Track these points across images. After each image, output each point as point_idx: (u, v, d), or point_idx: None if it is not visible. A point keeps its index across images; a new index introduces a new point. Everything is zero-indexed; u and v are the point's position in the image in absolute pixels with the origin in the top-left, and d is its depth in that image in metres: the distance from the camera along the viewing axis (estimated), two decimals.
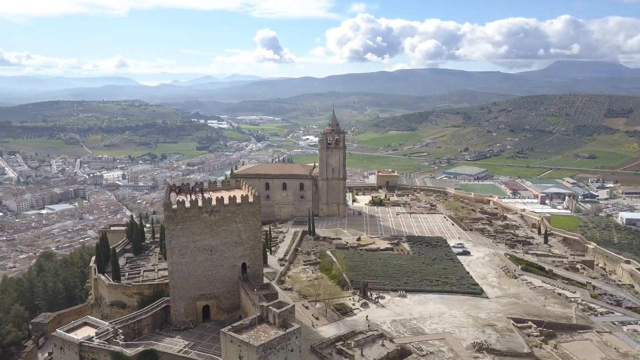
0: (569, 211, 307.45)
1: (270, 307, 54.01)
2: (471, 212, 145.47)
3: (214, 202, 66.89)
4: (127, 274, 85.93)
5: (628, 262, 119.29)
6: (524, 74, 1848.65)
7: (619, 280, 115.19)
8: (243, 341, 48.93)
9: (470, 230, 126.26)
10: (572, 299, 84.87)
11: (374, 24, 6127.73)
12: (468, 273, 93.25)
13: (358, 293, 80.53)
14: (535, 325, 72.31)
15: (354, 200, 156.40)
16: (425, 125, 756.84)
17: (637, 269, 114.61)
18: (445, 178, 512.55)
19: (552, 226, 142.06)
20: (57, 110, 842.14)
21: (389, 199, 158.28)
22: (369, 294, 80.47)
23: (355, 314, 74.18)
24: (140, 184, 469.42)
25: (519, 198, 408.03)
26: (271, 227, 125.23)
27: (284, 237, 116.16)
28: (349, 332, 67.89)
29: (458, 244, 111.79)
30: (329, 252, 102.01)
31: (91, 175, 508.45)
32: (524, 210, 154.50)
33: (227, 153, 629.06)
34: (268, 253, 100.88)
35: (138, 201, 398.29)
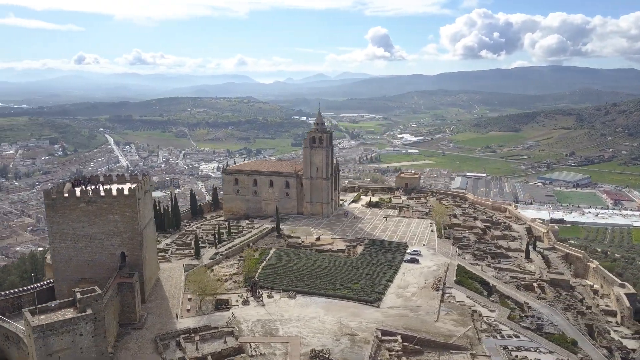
0: None
1: (76, 292, 58.45)
2: (467, 219, 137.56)
3: (90, 194, 72.93)
4: None
5: (622, 286, 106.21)
6: None
7: (607, 306, 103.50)
8: (27, 320, 53.96)
9: (447, 238, 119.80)
10: (485, 318, 78.81)
11: (491, 19, 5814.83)
12: (389, 281, 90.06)
13: (248, 290, 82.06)
14: (400, 340, 68.79)
15: (354, 201, 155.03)
16: (530, 127, 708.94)
17: (626, 294, 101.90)
18: (539, 184, 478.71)
19: (556, 240, 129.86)
20: (176, 106, 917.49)
21: (390, 201, 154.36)
22: (259, 292, 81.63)
23: (229, 310, 76.03)
24: None
25: (619, 209, 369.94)
26: (247, 223, 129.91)
27: (249, 232, 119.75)
28: (203, 326, 70.21)
29: (414, 251, 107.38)
30: (272, 250, 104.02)
31: (190, 166, 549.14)
32: (534, 221, 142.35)
33: None
34: (213, 248, 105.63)
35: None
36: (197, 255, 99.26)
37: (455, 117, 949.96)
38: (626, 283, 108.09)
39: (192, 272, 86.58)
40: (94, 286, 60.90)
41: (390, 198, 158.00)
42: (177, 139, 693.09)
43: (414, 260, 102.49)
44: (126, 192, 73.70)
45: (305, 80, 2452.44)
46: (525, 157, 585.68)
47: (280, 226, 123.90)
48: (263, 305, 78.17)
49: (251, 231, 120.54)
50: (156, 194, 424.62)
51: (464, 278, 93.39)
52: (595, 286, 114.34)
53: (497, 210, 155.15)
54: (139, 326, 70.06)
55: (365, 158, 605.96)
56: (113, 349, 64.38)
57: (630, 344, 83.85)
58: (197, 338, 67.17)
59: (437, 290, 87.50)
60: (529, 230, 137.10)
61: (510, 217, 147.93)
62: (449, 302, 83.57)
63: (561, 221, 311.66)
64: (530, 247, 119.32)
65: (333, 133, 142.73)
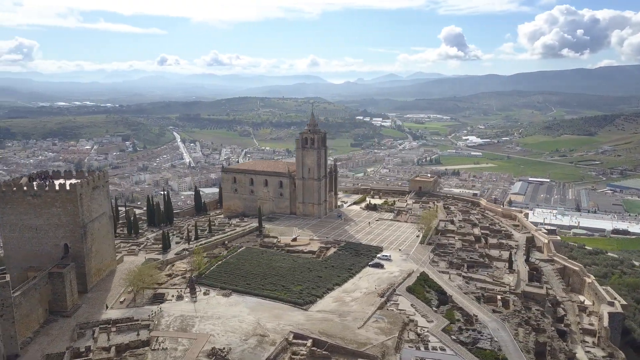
0: None
1: None
2: (466, 225, 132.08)
3: (35, 188, 78.15)
4: None
5: (611, 304, 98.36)
6: None
7: (591, 324, 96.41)
8: None
9: (430, 244, 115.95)
10: (419, 328, 76.15)
11: (575, 15, 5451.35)
12: (337, 285, 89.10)
13: (186, 286, 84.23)
14: (309, 345, 67.98)
15: (356, 203, 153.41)
16: (607, 130, 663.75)
17: (610, 312, 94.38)
18: (608, 191, 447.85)
19: (555, 251, 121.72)
20: (244, 105, 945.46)
21: (394, 204, 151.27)
22: (196, 289, 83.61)
23: (162, 304, 78.51)
24: None
25: None
26: (236, 221, 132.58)
27: (233, 230, 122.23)
28: (125, 318, 73.19)
29: (383, 256, 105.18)
30: (241, 249, 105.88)
31: None
32: (538, 230, 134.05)
33: (376, 151, 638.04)
34: (186, 243, 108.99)
35: None
36: (165, 250, 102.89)
37: (528, 119, 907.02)
38: (616, 301, 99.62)
39: (140, 266, 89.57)
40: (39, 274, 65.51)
41: (394, 201, 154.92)
42: (240, 137, 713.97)
43: (378, 265, 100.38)
44: (67, 188, 78.15)
45: (375, 80, 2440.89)
46: (597, 162, 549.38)
47: (267, 225, 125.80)
48: (195, 301, 80.00)
49: (235, 229, 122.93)
50: (210, 189, 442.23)
51: (419, 286, 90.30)
52: (587, 302, 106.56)
53: (508, 218, 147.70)
54: (68, 314, 74.12)
55: (424, 160, 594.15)
56: (34, 334, 68.79)
57: None
58: (113, 329, 70.21)
59: (382, 297, 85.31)
60: (531, 239, 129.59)
61: (518, 225, 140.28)
62: (388, 309, 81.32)
63: (625, 232, 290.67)
64: (518, 258, 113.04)
65: (326, 134, 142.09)
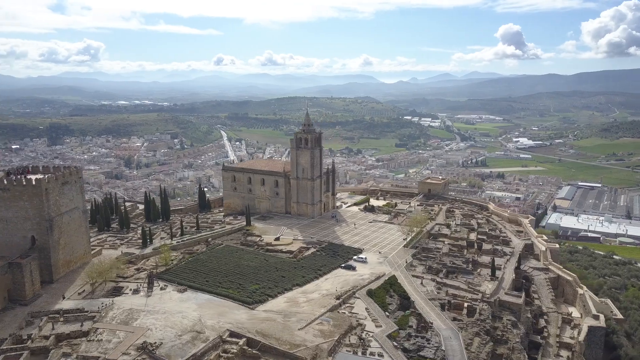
0: None
1: None
2: (462, 229, 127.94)
3: (5, 182, 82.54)
4: None
5: (596, 317, 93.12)
6: None
7: (572, 337, 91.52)
8: None
9: (414, 248, 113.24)
10: (365, 332, 74.77)
11: None
12: (297, 285, 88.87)
13: (146, 280, 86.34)
14: (242, 343, 68.18)
15: (357, 204, 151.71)
16: None
17: (590, 326, 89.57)
18: None
19: (551, 260, 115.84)
20: (292, 105, 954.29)
21: (395, 206, 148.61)
22: (154, 283, 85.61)
23: (118, 297, 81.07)
24: None
25: None
26: (230, 219, 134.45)
27: (222, 227, 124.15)
28: (75, 309, 76.16)
29: (359, 258, 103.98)
30: (221, 246, 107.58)
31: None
32: (538, 237, 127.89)
33: (421, 151, 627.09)
34: (169, 239, 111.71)
35: None
36: (144, 245, 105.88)
37: (587, 120, 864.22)
38: (601, 314, 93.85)
39: (103, 260, 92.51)
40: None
41: (396, 203, 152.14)
42: (286, 137, 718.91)
43: (350, 267, 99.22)
44: (33, 183, 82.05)
45: (429, 80, 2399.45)
46: None
47: (258, 224, 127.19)
48: (149, 296, 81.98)
49: (225, 227, 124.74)
50: None
51: (382, 290, 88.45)
52: (575, 314, 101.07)
53: (514, 223, 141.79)
54: (26, 303, 77.96)
55: (469, 161, 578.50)
56: None
57: None
58: (61, 319, 73.24)
59: (338, 299, 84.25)
60: (530, 247, 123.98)
61: (522, 232, 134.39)
62: (340, 312, 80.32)
63: None
64: (508, 266, 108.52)
65: (322, 134, 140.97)
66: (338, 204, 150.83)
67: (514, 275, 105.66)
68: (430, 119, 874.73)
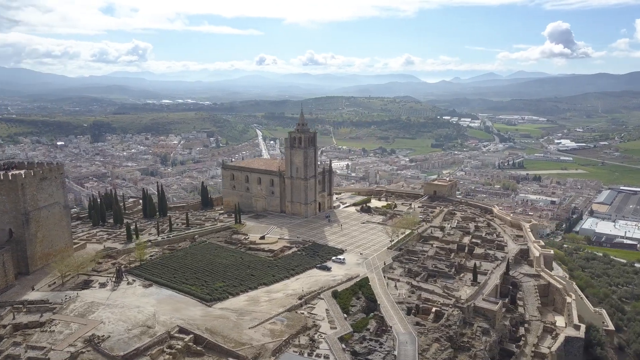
0: None
1: None
2: (457, 232, 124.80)
3: None
4: None
5: (577, 327, 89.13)
6: None
7: (549, 347, 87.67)
8: None
9: (399, 250, 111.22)
10: (318, 334, 74.11)
11: None
12: (264, 284, 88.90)
13: (114, 274, 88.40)
14: (188, 339, 68.84)
15: (355, 204, 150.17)
16: None
17: (567, 336, 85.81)
18: None
19: (543, 267, 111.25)
20: (330, 104, 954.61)
21: (395, 207, 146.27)
22: (122, 277, 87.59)
23: (85, 290, 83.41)
24: (352, 174, 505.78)
25: None
26: (225, 216, 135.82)
27: (213, 224, 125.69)
28: (39, 300, 78.96)
29: (337, 259, 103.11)
30: (204, 243, 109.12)
31: (322, 163, 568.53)
32: (535, 242, 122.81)
33: (456, 152, 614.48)
34: (155, 236, 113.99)
35: None
36: (129, 240, 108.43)
37: (637, 122, 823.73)
38: (582, 325, 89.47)
39: (84, 254, 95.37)
40: None
41: (395, 204, 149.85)
42: (320, 136, 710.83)
43: (324, 268, 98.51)
44: (10, 178, 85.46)
45: (472, 79, 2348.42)
46: None
47: (249, 223, 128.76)
48: (113, 290, 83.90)
49: (216, 224, 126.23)
50: None
51: (349, 292, 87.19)
52: (560, 323, 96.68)
53: (515, 227, 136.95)
54: None
55: (506, 163, 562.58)
56: None
57: None
58: (24, 309, 76.06)
59: (301, 299, 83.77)
60: (526, 252, 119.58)
61: (522, 236, 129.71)
62: (299, 312, 79.91)
63: None
64: (496, 271, 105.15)
65: (317, 134, 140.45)
66: (336, 204, 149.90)
67: (498, 281, 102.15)
68: (469, 119, 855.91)
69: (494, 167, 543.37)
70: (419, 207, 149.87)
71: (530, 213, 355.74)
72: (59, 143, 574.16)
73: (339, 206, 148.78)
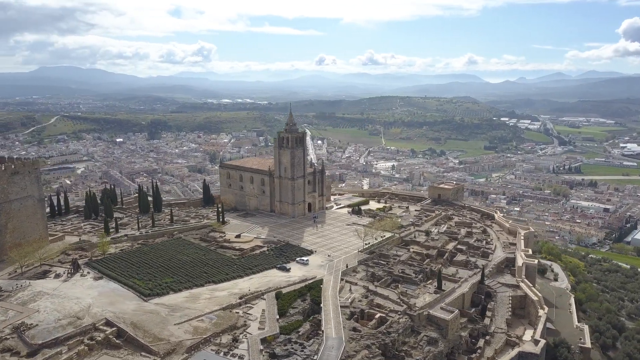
0: None
1: None
2: (442, 237, 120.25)
3: None
4: None
5: (536, 343, 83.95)
6: None
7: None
8: None
9: (371, 253, 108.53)
10: (244, 334, 74.12)
11: None
12: (212, 282, 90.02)
13: (71, 266, 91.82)
14: (110, 332, 70.67)
15: (350, 205, 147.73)
16: None
17: (521, 352, 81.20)
18: None
19: (524, 277, 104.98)
20: (383, 105, 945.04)
21: (389, 209, 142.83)
22: (80, 270, 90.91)
23: (41, 279, 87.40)
24: (396, 175, 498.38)
25: None
26: (213, 215, 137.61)
27: (197, 222, 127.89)
28: None
29: (300, 259, 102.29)
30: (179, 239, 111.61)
31: (367, 163, 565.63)
32: (523, 251, 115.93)
33: (509, 155, 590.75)
34: (135, 231, 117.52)
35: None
36: (107, 233, 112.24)
37: None
38: (542, 340, 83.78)
39: (54, 246, 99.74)
40: None
41: (391, 207, 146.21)
42: (370, 136, 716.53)
43: (283, 269, 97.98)
44: None
45: (539, 79, 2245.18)
46: None
47: (235, 221, 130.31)
48: (65, 281, 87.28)
49: (201, 221, 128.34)
50: None
51: (295, 294, 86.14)
52: (526, 337, 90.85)
53: (513, 235, 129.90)
54: None
55: (562, 167, 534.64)
56: None
57: None
58: None
59: (241, 298, 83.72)
60: (512, 261, 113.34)
61: (515, 244, 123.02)
62: (232, 311, 79.81)
63: None
64: (470, 279, 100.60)
65: (305, 134, 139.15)
66: (330, 204, 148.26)
67: (467, 289, 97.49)
68: (529, 121, 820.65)
69: (548, 171, 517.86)
70: (416, 210, 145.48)
71: (577, 221, 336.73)
72: (117, 140, 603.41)
73: (332, 207, 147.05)
